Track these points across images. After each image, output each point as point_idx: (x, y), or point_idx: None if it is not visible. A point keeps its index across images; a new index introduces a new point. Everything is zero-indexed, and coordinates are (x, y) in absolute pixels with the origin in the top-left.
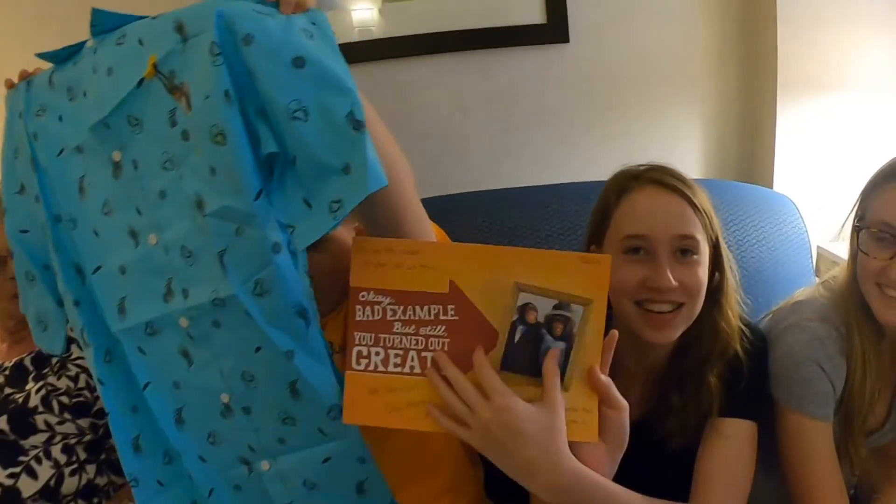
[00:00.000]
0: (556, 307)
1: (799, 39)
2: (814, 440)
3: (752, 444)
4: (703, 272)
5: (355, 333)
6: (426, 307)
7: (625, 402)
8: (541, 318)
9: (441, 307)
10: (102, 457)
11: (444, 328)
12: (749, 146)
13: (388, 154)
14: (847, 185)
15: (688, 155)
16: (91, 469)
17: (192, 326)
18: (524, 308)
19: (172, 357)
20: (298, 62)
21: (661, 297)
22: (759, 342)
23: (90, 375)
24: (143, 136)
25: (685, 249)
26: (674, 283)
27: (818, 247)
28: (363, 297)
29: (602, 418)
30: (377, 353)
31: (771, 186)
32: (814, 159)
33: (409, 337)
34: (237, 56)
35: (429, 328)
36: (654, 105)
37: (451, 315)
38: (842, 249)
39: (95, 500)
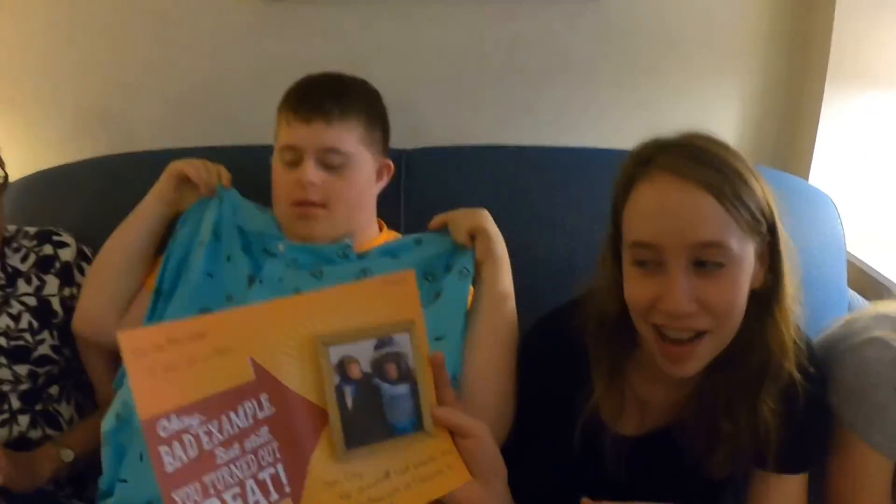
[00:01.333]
0: (378, 346)
1: (856, 23)
2: (872, 473)
3: (807, 493)
4: (738, 286)
5: (173, 494)
6: (241, 409)
7: (479, 426)
8: (367, 368)
9: (255, 402)
10: (38, 408)
11: (266, 430)
12: (788, 134)
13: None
14: (889, 191)
15: (720, 133)
16: (24, 421)
17: None
18: (342, 364)
19: None
20: None
21: (676, 323)
22: (817, 368)
23: (34, 316)
24: None
25: (706, 260)
26: (687, 306)
27: (848, 252)
28: (164, 429)
29: (459, 452)
30: None
31: (806, 180)
32: (856, 158)
33: (238, 462)
34: None
35: (253, 438)
36: (689, 74)
37: (268, 409)
38: (873, 258)
39: None
